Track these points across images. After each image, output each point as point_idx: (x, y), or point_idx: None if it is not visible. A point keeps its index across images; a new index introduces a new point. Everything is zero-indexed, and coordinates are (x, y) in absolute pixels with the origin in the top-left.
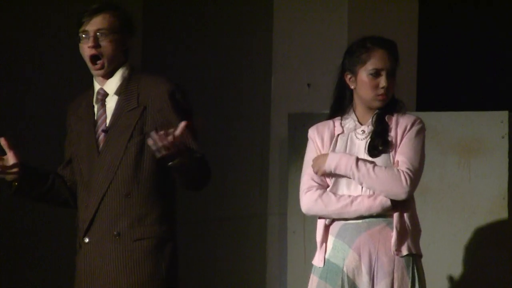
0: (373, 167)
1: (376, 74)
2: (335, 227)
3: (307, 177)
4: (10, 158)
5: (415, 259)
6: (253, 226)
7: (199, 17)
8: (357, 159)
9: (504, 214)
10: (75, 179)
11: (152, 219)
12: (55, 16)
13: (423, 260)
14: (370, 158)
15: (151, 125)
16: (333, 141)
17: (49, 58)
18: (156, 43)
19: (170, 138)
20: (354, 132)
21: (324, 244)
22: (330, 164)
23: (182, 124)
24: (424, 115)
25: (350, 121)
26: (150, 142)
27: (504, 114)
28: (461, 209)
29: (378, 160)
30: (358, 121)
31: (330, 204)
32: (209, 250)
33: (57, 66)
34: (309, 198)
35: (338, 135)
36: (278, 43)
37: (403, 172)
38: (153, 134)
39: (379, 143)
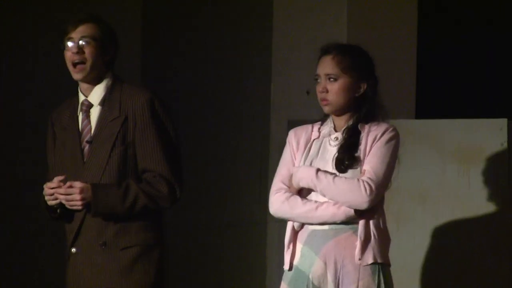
0: (333, 178)
1: (316, 80)
2: (303, 233)
3: (278, 179)
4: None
5: (382, 267)
6: (253, 233)
7: (199, 23)
8: (317, 170)
9: (504, 222)
10: None
11: (137, 227)
12: (54, 18)
13: (422, 266)
14: (337, 173)
15: (132, 135)
16: (308, 146)
17: (48, 58)
18: (155, 48)
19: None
20: (329, 138)
21: (290, 248)
22: (294, 179)
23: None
24: (423, 123)
25: (327, 127)
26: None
27: (503, 121)
28: (460, 216)
29: (346, 176)
30: (334, 127)
31: (296, 207)
32: (209, 257)
33: (56, 67)
34: (276, 200)
35: (314, 139)
36: (277, 50)
37: (363, 182)
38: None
39: (345, 158)
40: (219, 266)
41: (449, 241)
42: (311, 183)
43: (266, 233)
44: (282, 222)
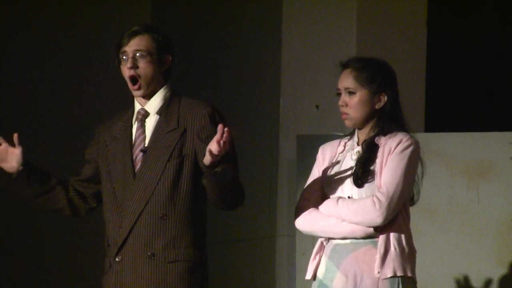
0: (348, 202)
1: (338, 94)
2: (328, 248)
3: (304, 194)
4: (16, 152)
5: (402, 281)
6: (262, 247)
7: (208, 37)
8: (338, 199)
9: None
10: (92, 193)
11: (186, 242)
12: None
13: (432, 282)
14: (355, 188)
15: (190, 147)
16: (334, 161)
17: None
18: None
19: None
20: (351, 152)
21: (316, 259)
22: (324, 212)
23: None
24: (432, 137)
25: (352, 141)
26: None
27: None
28: (469, 230)
29: (363, 190)
30: (358, 141)
31: (316, 222)
32: (218, 272)
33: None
34: (299, 214)
35: (339, 154)
36: (286, 65)
37: (373, 198)
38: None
39: (360, 173)
40: (228, 280)
41: (457, 255)
42: (334, 213)
43: (275, 247)
44: (291, 236)
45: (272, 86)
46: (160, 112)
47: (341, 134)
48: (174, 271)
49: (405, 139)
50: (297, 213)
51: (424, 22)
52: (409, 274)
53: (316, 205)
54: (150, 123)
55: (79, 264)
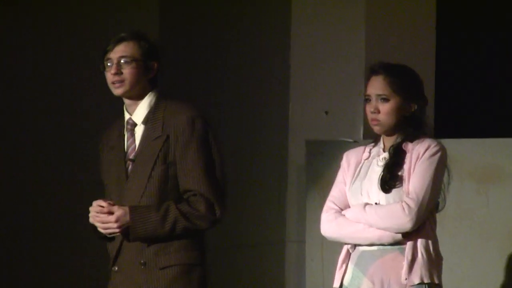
0: (376, 207)
1: (367, 100)
2: (354, 255)
3: (329, 199)
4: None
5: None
6: (271, 253)
7: (216, 41)
8: (365, 205)
9: None
10: None
11: (177, 246)
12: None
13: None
14: (383, 193)
15: (174, 154)
16: (358, 167)
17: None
18: (176, 67)
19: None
20: (377, 158)
21: (343, 268)
22: (351, 218)
23: (114, 216)
24: (442, 142)
25: (377, 147)
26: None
27: None
28: (478, 236)
29: (390, 196)
30: (383, 148)
31: (343, 228)
32: (227, 277)
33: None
34: (325, 220)
35: (364, 161)
36: (295, 70)
37: (402, 204)
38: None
39: (388, 178)
40: (236, 286)
41: (466, 260)
42: (362, 219)
43: (284, 253)
44: (301, 242)
45: (281, 91)
46: (146, 121)
47: (350, 140)
48: (166, 277)
49: (433, 145)
50: (323, 220)
51: (433, 25)
52: (436, 281)
53: (342, 211)
54: (139, 132)
55: (79, 264)
